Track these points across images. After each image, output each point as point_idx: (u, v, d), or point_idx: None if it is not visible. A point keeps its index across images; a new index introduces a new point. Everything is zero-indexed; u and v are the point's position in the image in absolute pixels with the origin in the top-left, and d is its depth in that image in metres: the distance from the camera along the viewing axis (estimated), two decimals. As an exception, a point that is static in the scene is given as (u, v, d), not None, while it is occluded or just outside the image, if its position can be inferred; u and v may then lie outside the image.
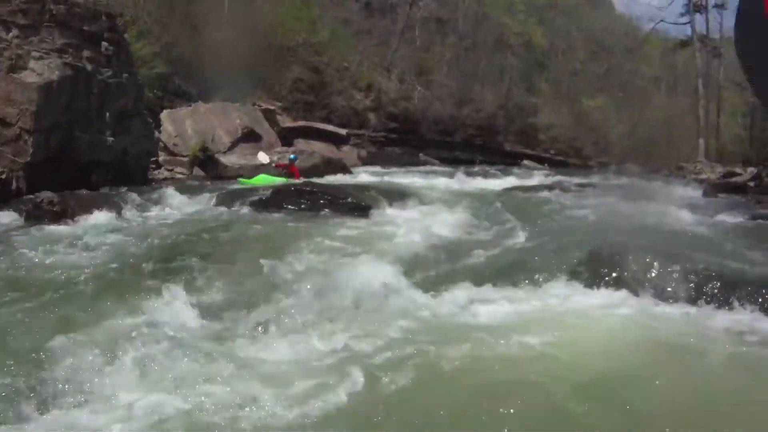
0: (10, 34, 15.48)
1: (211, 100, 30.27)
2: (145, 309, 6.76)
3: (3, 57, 15.27)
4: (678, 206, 18.52)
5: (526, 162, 51.25)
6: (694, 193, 25.78)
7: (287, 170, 20.85)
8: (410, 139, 47.42)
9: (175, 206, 14.38)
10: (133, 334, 6.04)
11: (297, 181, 18.21)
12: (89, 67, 16.73)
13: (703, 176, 38.38)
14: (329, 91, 42.06)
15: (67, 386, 5.18)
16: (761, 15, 2.06)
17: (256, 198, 14.53)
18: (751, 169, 33.86)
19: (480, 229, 11.71)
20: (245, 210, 14.05)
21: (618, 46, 71.61)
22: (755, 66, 2.16)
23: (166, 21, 31.92)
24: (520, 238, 10.65)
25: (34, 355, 5.65)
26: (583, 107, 68.09)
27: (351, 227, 11.70)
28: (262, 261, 8.62)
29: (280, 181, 18.65)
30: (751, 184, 28.13)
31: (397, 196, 15.11)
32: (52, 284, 7.76)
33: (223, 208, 14.34)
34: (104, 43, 17.50)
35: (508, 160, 51.22)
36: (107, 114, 17.35)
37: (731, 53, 54.74)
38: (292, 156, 22.32)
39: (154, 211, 13.60)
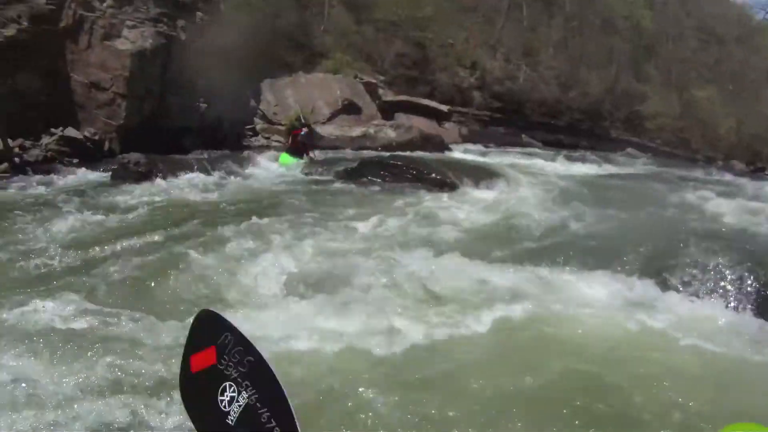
0: (105, 4, 16.03)
1: (313, 71, 30.48)
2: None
3: (97, 26, 15.84)
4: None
5: (629, 150, 50.28)
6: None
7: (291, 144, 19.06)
8: (514, 120, 46.97)
9: (261, 171, 14.66)
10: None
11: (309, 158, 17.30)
12: (183, 36, 17.23)
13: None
14: (433, 67, 41.74)
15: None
16: None
17: (341, 168, 14.65)
18: None
19: (556, 213, 11.23)
20: (328, 179, 14.17)
21: (730, 34, 69.54)
22: None
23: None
24: (593, 225, 10.33)
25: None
26: (692, 97, 66.68)
27: (429, 201, 11.67)
28: (330, 228, 8.81)
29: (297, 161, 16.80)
30: None
31: (486, 174, 14.75)
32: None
33: (307, 176, 14.55)
34: (199, 13, 18.08)
35: (612, 146, 50.41)
36: (199, 81, 17.59)
37: None
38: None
39: (239, 175, 13.76)
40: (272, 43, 29.63)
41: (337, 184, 13.52)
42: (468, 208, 11.37)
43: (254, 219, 9.04)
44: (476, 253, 8.14)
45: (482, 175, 14.71)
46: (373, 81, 31.81)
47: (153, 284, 6.70)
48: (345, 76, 30.33)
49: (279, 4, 32.18)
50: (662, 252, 8.59)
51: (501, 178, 14.62)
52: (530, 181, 15.76)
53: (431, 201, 11.70)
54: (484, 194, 13.22)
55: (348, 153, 20.14)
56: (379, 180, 13.78)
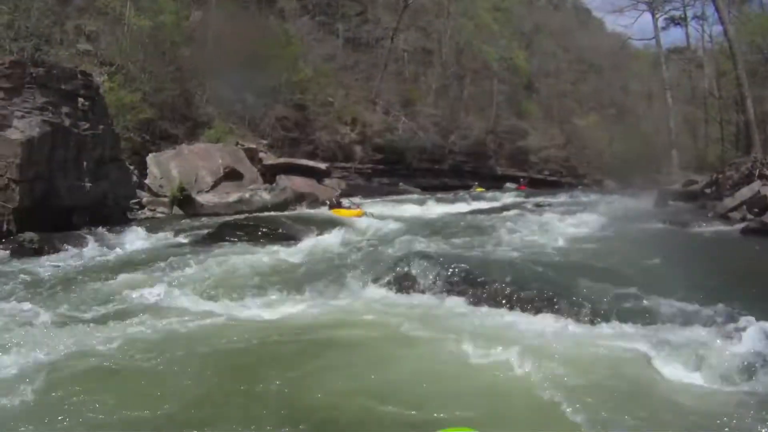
0: (-3, 97, 17.56)
1: (197, 141, 31.76)
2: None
3: (-10, 117, 17.37)
4: (611, 217, 20.63)
5: (507, 184, 52.83)
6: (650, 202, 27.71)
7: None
8: (397, 169, 48.99)
9: (137, 241, 16.23)
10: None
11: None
12: (67, 122, 18.60)
13: (675, 186, 39.75)
14: (314, 126, 43.62)
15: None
16: None
17: (205, 232, 16.56)
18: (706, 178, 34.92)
19: (385, 251, 13.10)
20: (192, 243, 15.86)
21: (606, 63, 73.11)
22: None
23: (151, 68, 33.48)
24: (423, 257, 11.27)
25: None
26: (574, 127, 69.66)
27: (270, 253, 13.43)
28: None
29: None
30: (707, 191, 29.52)
31: (332, 225, 17.10)
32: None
33: (173, 242, 16.27)
34: (80, 99, 19.34)
35: (499, 184, 52.89)
36: (85, 163, 19.12)
37: (713, 63, 56.48)
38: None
39: (117, 247, 15.34)
40: (156, 117, 31.42)
41: (197, 247, 15.06)
42: (295, 255, 13.30)
43: (116, 281, 10.87)
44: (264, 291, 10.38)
45: (327, 226, 17.03)
46: (254, 146, 33.19)
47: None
48: (226, 144, 31.54)
49: (163, 77, 33.84)
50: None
51: (344, 227, 16.98)
52: (373, 225, 18.25)
53: (270, 252, 13.55)
54: (323, 240, 15.37)
55: (225, 219, 20.88)
56: (235, 239, 15.53)
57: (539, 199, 31.34)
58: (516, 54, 67.11)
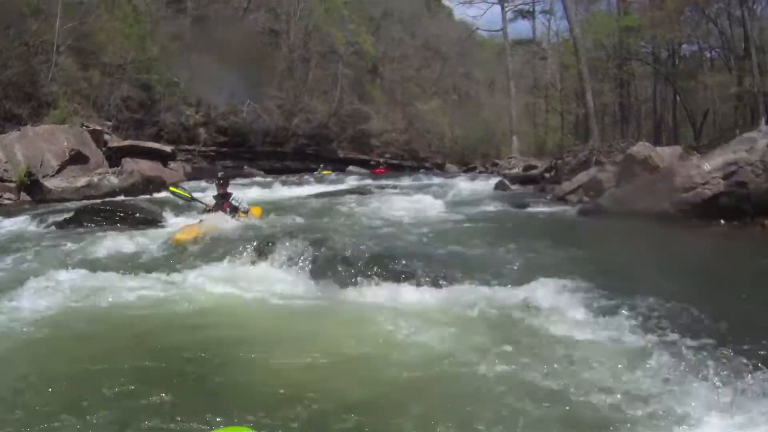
0: None
1: (42, 122, 31.01)
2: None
3: None
4: (454, 200, 22.01)
5: (351, 168, 53.79)
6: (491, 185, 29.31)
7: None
8: (241, 152, 49.70)
9: None
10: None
11: None
12: None
13: (515, 171, 41.93)
14: (159, 108, 43.78)
15: None
16: None
17: (61, 218, 16.61)
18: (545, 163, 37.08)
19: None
20: (50, 229, 15.99)
21: (452, 51, 74.52)
22: None
23: (-3, 43, 32.47)
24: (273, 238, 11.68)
25: None
26: (416, 111, 71.47)
27: (133, 236, 13.62)
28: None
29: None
30: (546, 175, 31.47)
31: (186, 208, 17.32)
32: None
33: (30, 229, 16.28)
34: None
35: (342, 167, 53.98)
36: None
37: (557, 56, 59.28)
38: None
39: None
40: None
41: (54, 233, 15.28)
42: (154, 237, 13.58)
43: None
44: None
45: (182, 208, 17.42)
46: (99, 128, 32.85)
47: None
48: (72, 126, 30.90)
49: (7, 54, 33.12)
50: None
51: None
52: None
53: (132, 235, 13.71)
54: (180, 221, 15.72)
55: (74, 204, 20.97)
56: (93, 225, 15.80)
57: (382, 182, 32.69)
58: (363, 38, 67.84)
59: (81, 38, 39.92)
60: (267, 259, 10.81)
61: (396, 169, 58.37)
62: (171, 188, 15.77)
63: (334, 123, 60.51)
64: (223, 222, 13.26)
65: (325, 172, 45.29)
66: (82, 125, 32.16)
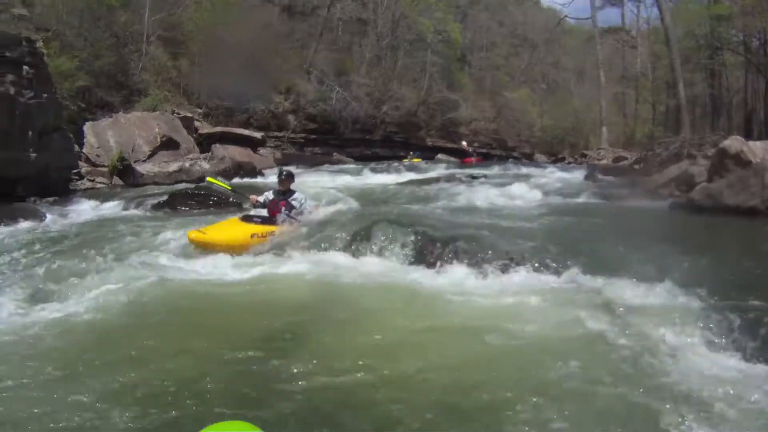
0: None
1: (133, 110, 31.62)
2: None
3: (-70, 84, 17.15)
4: (545, 190, 21.37)
5: (440, 156, 53.26)
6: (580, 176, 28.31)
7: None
8: (330, 139, 49.44)
9: (85, 212, 16.45)
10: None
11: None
12: (12, 90, 18.25)
13: (604, 162, 40.88)
14: (248, 95, 43.35)
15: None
16: None
17: (155, 201, 16.77)
18: (635, 154, 35.96)
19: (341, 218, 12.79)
20: (145, 212, 16.14)
21: (540, 39, 73.34)
22: None
23: (88, 35, 33.32)
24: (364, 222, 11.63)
25: None
26: (505, 100, 70.44)
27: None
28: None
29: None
30: (636, 167, 30.42)
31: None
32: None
33: (127, 212, 16.41)
34: (25, 67, 18.93)
35: (431, 155, 53.30)
36: (29, 132, 18.86)
37: (647, 45, 57.78)
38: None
39: (66, 218, 15.51)
40: (93, 85, 31.15)
41: (150, 215, 15.47)
42: None
43: (79, 251, 10.68)
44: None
45: None
46: (190, 115, 33.28)
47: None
48: (163, 113, 31.44)
49: (99, 45, 33.52)
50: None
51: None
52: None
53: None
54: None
55: (165, 188, 21.10)
56: (187, 208, 16.06)
57: (473, 171, 31.84)
58: (451, 27, 66.86)
59: (169, 28, 40.64)
60: (359, 247, 10.65)
61: (484, 157, 57.26)
62: (209, 179, 14.98)
63: (422, 111, 59.85)
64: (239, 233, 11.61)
65: (415, 159, 44.44)
66: (173, 112, 32.71)
